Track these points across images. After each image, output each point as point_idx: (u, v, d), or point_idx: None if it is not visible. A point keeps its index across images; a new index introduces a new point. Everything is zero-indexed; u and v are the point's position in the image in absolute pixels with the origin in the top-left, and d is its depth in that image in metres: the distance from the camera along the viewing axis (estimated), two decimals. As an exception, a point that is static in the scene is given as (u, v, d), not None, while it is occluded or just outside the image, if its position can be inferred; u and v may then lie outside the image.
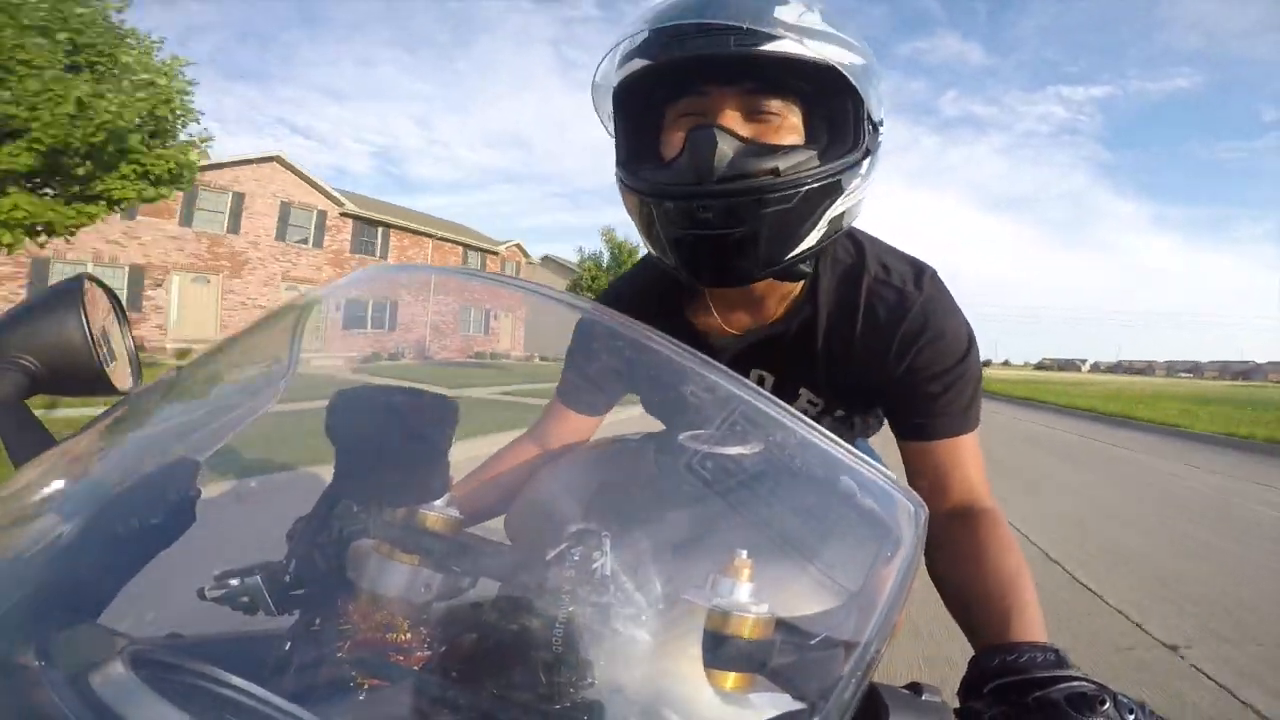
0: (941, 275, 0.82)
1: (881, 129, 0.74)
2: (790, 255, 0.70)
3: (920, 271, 0.80)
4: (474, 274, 0.59)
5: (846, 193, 0.70)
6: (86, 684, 0.36)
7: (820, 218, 0.69)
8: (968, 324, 0.80)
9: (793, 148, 0.68)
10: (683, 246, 0.70)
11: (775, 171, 0.66)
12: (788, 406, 0.47)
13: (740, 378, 0.47)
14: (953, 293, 0.82)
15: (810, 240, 0.70)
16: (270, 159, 22.06)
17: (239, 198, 21.10)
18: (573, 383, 0.82)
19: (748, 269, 0.70)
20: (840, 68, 0.66)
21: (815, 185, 0.67)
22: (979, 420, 0.80)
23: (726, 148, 0.65)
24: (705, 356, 0.47)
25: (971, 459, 0.79)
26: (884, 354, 0.77)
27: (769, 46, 0.64)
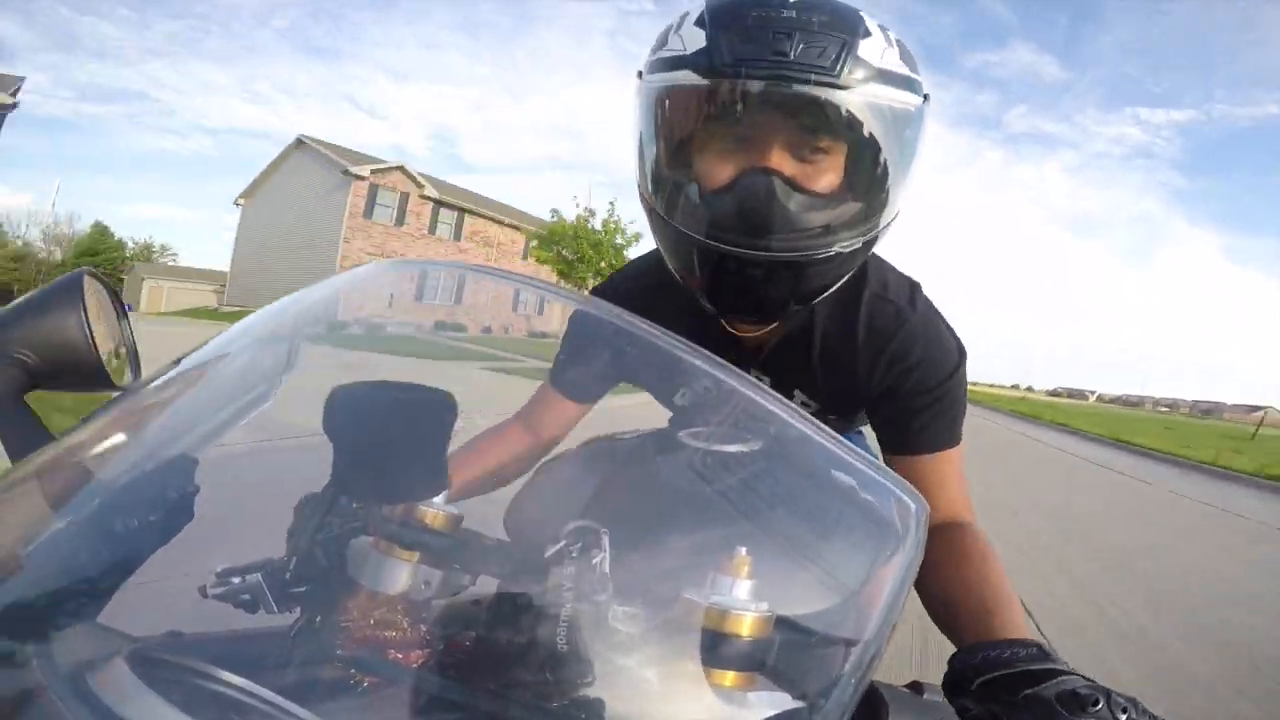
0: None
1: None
2: (817, 299, 0.70)
3: (914, 289, 0.80)
4: (479, 269, 0.58)
5: (878, 241, 0.70)
6: (86, 683, 0.36)
7: (853, 267, 0.70)
8: (958, 341, 0.79)
9: (843, 199, 0.64)
10: (714, 287, 0.68)
11: (827, 228, 0.63)
12: (789, 403, 0.46)
13: (741, 373, 0.47)
14: (944, 311, 0.82)
15: (837, 283, 0.70)
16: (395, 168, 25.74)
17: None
18: (566, 368, 0.79)
19: (772, 311, 0.71)
20: (907, 116, 0.63)
21: (862, 243, 0.66)
22: (962, 436, 0.80)
23: (784, 200, 0.61)
24: (705, 351, 0.47)
25: (954, 474, 0.78)
26: (873, 367, 0.77)
27: (853, 92, 0.60)
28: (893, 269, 0.83)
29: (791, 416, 0.46)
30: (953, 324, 0.81)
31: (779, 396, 0.47)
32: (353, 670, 0.43)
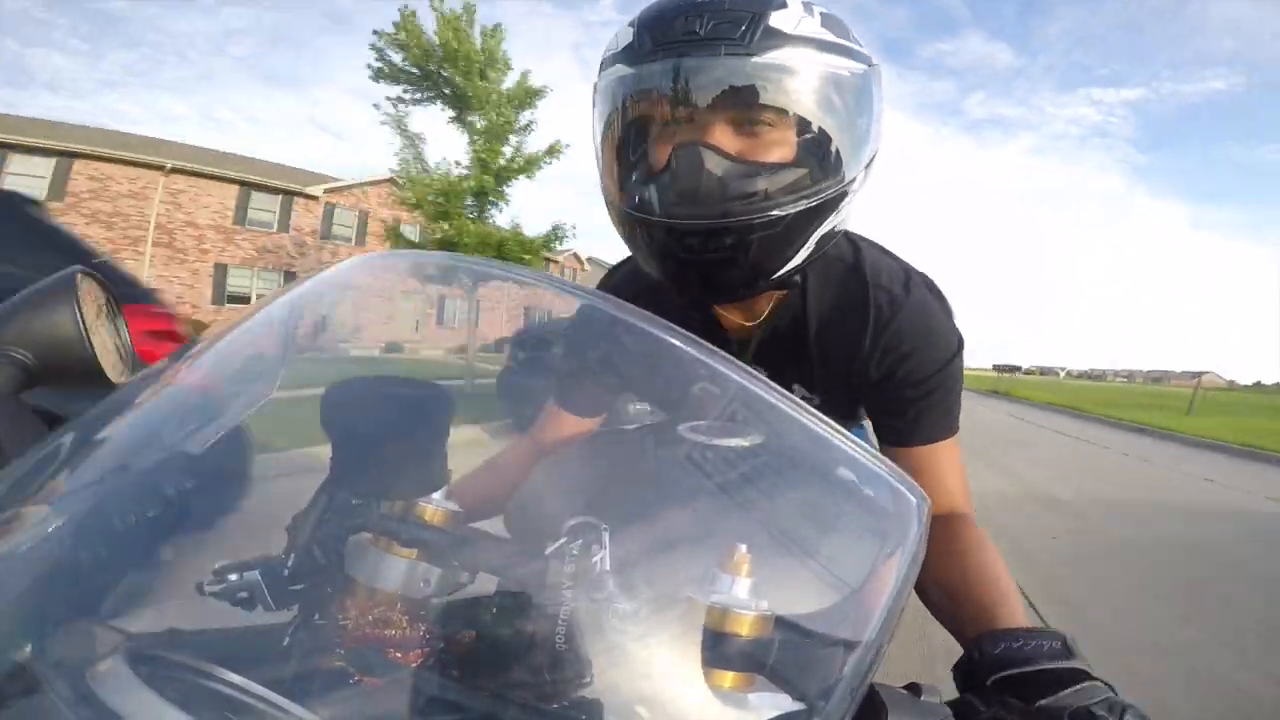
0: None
1: (878, 134, 0.71)
2: (778, 274, 0.69)
3: (909, 276, 0.79)
4: (477, 262, 0.58)
5: (838, 210, 0.68)
6: (83, 680, 0.36)
7: (810, 237, 0.68)
8: (956, 331, 0.78)
9: (782, 166, 0.64)
10: (668, 264, 0.69)
11: (764, 194, 0.63)
12: (790, 395, 0.46)
13: (741, 364, 0.46)
14: (949, 300, 0.81)
15: (799, 258, 0.69)
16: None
17: None
18: (568, 384, 0.80)
19: (734, 288, 0.70)
20: (838, 80, 0.64)
21: (804, 208, 0.65)
22: (958, 426, 0.79)
23: (714, 167, 0.63)
24: (706, 343, 0.46)
25: (950, 465, 0.78)
26: (869, 356, 0.77)
27: (763, 58, 0.61)
28: (890, 256, 0.82)
29: (792, 409, 0.46)
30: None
31: (779, 389, 0.46)
32: (351, 668, 0.43)
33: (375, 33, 12.42)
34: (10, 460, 0.49)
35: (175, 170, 18.89)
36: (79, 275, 0.56)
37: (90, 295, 0.57)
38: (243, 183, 20.09)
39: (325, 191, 21.57)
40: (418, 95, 12.95)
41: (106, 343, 0.58)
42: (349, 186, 22.10)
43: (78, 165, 17.72)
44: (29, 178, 16.65)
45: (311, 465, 0.53)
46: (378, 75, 12.83)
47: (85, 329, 0.55)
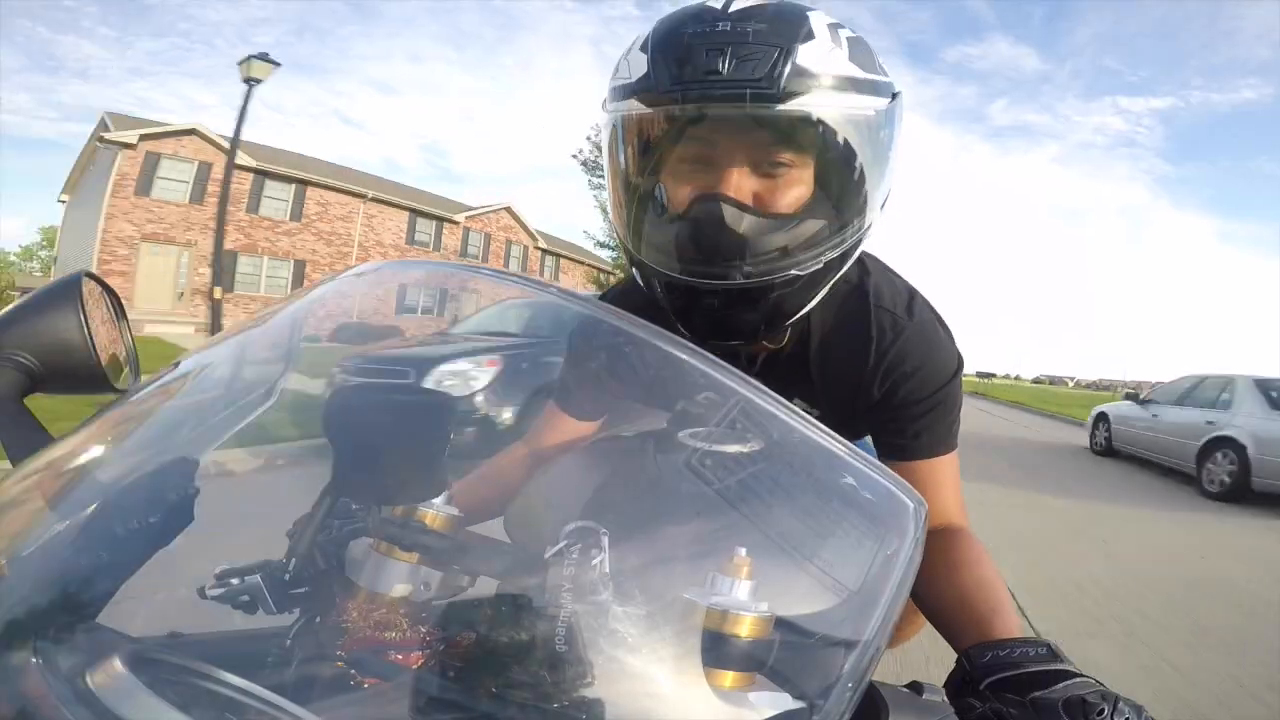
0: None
1: (894, 171, 0.69)
2: (791, 320, 0.69)
3: (912, 297, 0.79)
4: (477, 270, 0.58)
5: (853, 255, 0.68)
6: (85, 684, 0.36)
7: (825, 285, 0.67)
8: (955, 351, 0.79)
9: (802, 219, 0.62)
10: (681, 313, 0.67)
11: (784, 251, 0.62)
12: (788, 404, 0.46)
13: (741, 374, 0.47)
14: (945, 317, 0.81)
15: (812, 304, 0.68)
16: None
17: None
18: (570, 386, 0.78)
19: (746, 335, 0.69)
20: (864, 122, 0.61)
21: (823, 264, 0.64)
22: (957, 442, 0.80)
23: (734, 223, 0.59)
24: (706, 353, 0.47)
25: (948, 480, 0.79)
26: (871, 376, 0.77)
27: (790, 105, 0.57)
28: (892, 276, 0.82)
29: (790, 418, 0.46)
30: (952, 327, 0.81)
31: (779, 398, 0.47)
32: (353, 671, 0.43)
33: (588, 138, 19.50)
34: (14, 465, 0.49)
35: (373, 199, 24.01)
36: (84, 280, 0.57)
37: (95, 300, 0.57)
38: (412, 210, 25.40)
39: (465, 219, 26.99)
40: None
41: (110, 348, 0.58)
42: (480, 213, 27.73)
43: (310, 191, 22.34)
44: (278, 201, 21.61)
45: (312, 471, 0.54)
46: (583, 167, 20.45)
47: (89, 334, 0.55)
